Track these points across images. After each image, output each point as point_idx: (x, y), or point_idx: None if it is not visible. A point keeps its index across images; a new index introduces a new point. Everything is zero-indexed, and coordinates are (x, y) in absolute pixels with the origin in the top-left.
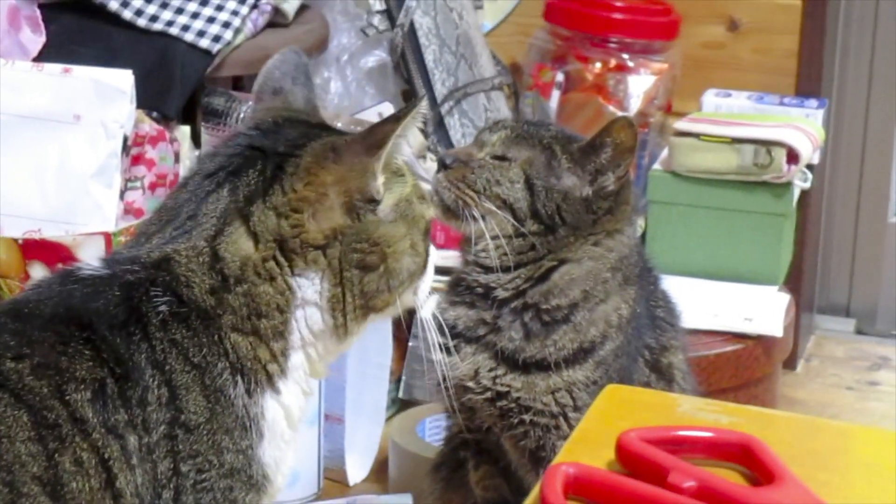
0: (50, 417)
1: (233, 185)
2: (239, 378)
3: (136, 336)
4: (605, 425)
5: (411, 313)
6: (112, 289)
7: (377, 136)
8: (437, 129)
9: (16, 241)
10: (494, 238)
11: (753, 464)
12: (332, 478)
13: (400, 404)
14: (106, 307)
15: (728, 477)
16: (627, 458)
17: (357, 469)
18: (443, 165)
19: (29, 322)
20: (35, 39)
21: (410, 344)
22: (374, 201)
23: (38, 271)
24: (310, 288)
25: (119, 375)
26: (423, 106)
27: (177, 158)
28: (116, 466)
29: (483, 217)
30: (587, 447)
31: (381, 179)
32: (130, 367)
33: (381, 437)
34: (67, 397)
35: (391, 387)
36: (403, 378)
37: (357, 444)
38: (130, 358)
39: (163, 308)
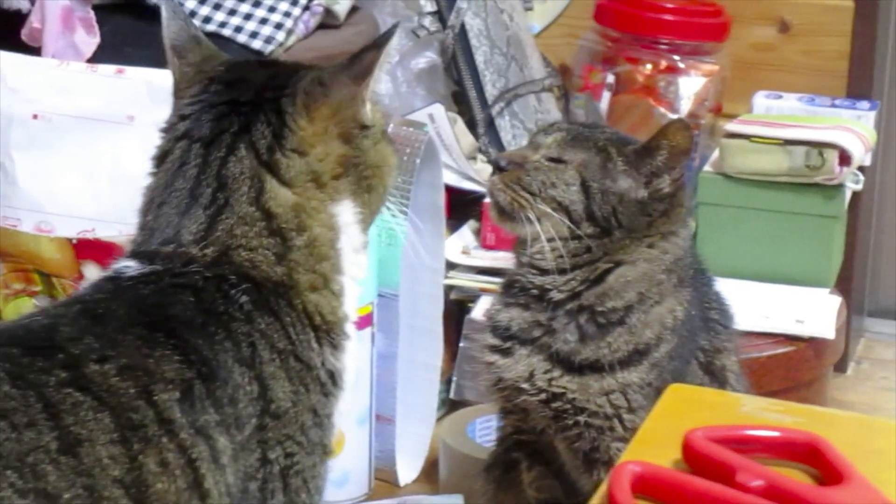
0: (135, 419)
1: (248, 143)
2: (323, 339)
3: (218, 336)
4: (669, 425)
5: (462, 313)
6: (184, 292)
7: (363, 65)
8: (488, 130)
9: (69, 240)
10: (550, 240)
11: (820, 463)
12: (383, 478)
13: (450, 405)
14: (183, 311)
15: (794, 477)
16: (694, 457)
17: (407, 470)
18: (497, 168)
19: (107, 324)
20: (89, 41)
21: (461, 345)
22: (366, 127)
23: (92, 271)
24: (346, 212)
25: (206, 376)
26: (399, 33)
27: None
28: (204, 467)
29: (538, 219)
30: (652, 446)
31: (368, 106)
32: (217, 368)
33: (432, 437)
34: (155, 398)
35: (441, 387)
36: (454, 379)
37: (407, 445)
38: (216, 358)
39: (244, 300)
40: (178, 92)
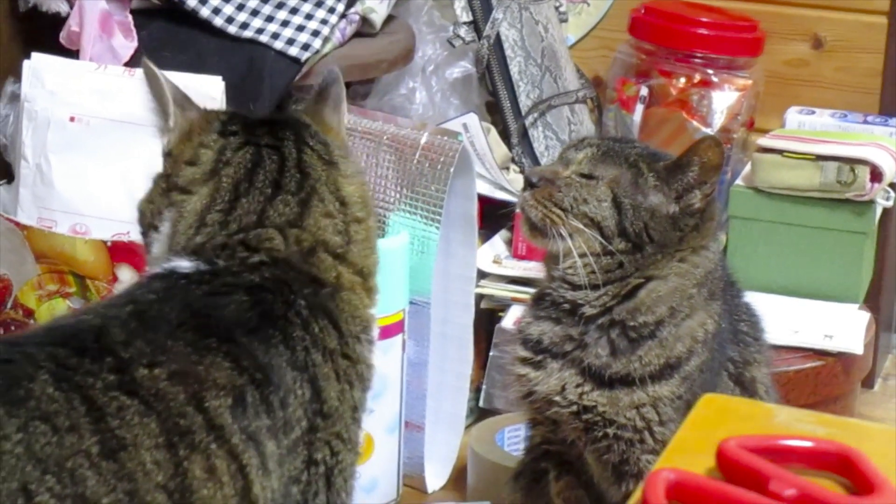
0: (183, 424)
1: (308, 147)
2: (361, 335)
3: (274, 339)
4: (703, 434)
5: (492, 322)
6: (237, 292)
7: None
8: (522, 140)
9: (104, 243)
10: (582, 256)
11: (852, 474)
12: (411, 485)
13: (479, 413)
14: (238, 313)
15: (827, 487)
16: (728, 466)
17: (436, 477)
18: (529, 184)
19: (157, 328)
20: (127, 45)
21: (491, 353)
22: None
23: (125, 273)
24: None
25: (260, 381)
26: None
27: None
28: (253, 473)
29: (570, 235)
30: (685, 455)
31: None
32: (271, 372)
33: (460, 445)
34: (206, 404)
35: (470, 395)
36: (484, 387)
37: (436, 452)
38: (270, 362)
39: (301, 304)
40: (189, 135)
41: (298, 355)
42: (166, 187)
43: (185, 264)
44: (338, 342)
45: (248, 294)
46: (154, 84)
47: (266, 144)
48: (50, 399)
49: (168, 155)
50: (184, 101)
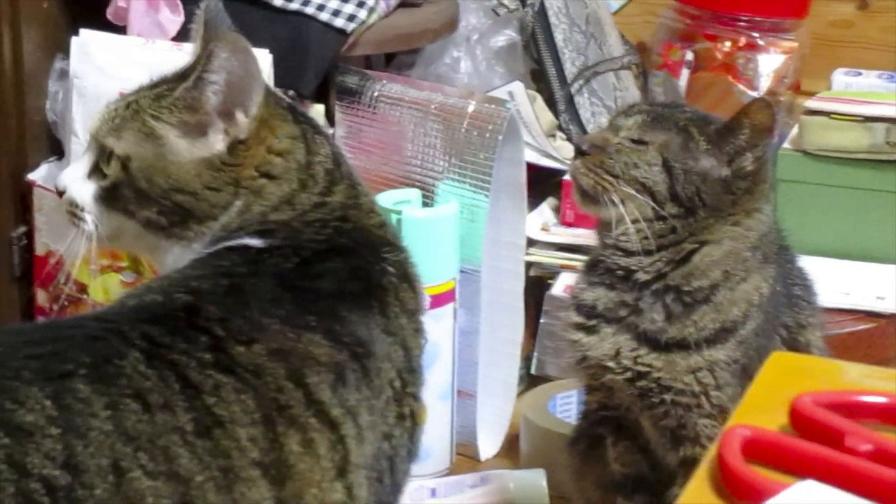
0: (281, 400)
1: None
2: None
3: (374, 309)
4: (774, 391)
5: (542, 290)
6: (332, 258)
7: None
8: (568, 107)
9: None
10: (635, 222)
11: None
12: (464, 453)
13: (529, 380)
14: (337, 283)
15: None
16: (802, 422)
17: (488, 444)
18: (579, 152)
19: (252, 304)
20: (173, 19)
21: (541, 321)
22: None
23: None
24: None
25: (360, 355)
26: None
27: None
28: (352, 444)
29: (622, 201)
30: (757, 412)
31: None
32: (371, 345)
33: (512, 412)
34: (306, 381)
35: (520, 363)
36: (535, 354)
37: (488, 420)
38: (370, 334)
39: (391, 270)
40: (266, 121)
41: (392, 321)
42: (237, 175)
43: (255, 241)
44: (415, 304)
45: (343, 259)
46: (245, 63)
47: (316, 130)
48: (142, 377)
49: (240, 142)
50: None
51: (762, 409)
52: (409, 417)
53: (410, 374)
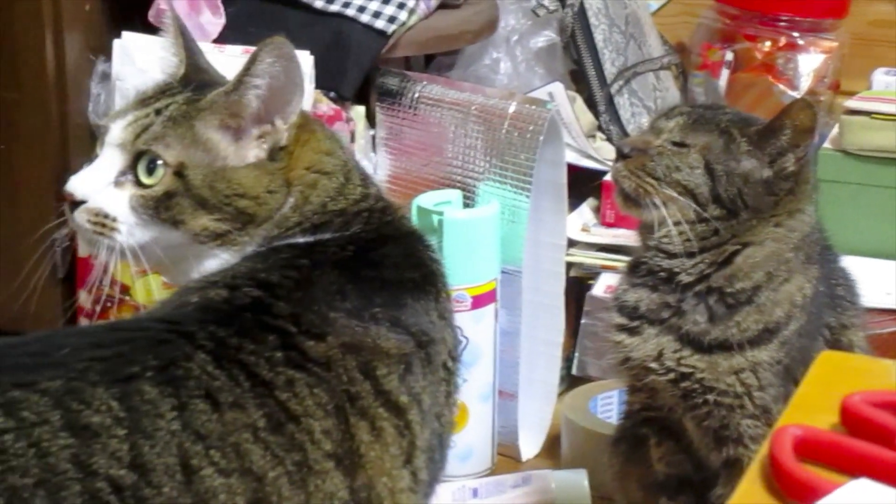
0: (352, 391)
1: None
2: None
3: (430, 294)
4: (824, 391)
5: (582, 290)
6: (387, 244)
7: None
8: (607, 108)
9: None
10: (677, 224)
11: None
12: (505, 453)
13: (570, 381)
14: (398, 271)
15: None
16: (853, 421)
17: (529, 445)
18: (621, 155)
19: (319, 296)
20: (214, 22)
21: (582, 321)
22: None
23: None
24: None
25: (424, 343)
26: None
27: (352, 138)
28: (417, 429)
29: (664, 204)
30: (807, 412)
31: None
32: (432, 331)
33: (553, 413)
34: (376, 373)
35: (561, 364)
36: (576, 355)
37: (529, 421)
38: (430, 320)
39: (434, 256)
40: (304, 126)
41: (442, 304)
42: (287, 177)
43: (304, 239)
44: (446, 290)
45: (395, 246)
46: (287, 69)
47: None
48: (211, 377)
49: (281, 148)
50: None
51: (812, 408)
52: (452, 396)
53: (453, 362)
